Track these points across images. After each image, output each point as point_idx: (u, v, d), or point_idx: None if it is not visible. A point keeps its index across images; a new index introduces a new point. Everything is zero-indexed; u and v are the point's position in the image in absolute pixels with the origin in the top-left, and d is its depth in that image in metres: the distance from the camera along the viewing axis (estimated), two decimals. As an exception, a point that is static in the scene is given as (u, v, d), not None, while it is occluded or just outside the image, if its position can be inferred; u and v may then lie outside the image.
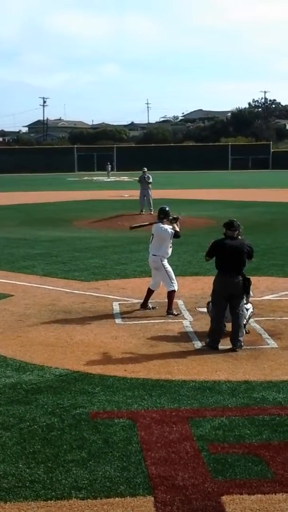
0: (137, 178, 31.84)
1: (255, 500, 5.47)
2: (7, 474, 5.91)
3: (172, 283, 11.51)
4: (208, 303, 10.38)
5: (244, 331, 9.80)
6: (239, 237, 9.83)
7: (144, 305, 11.82)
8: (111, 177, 66.23)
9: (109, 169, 68.69)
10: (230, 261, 9.56)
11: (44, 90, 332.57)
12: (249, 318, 10.34)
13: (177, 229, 11.68)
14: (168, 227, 11.64)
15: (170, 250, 11.74)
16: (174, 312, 11.41)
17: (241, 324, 9.61)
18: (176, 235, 11.61)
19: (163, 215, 11.81)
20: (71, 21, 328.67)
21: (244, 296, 9.78)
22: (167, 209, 11.91)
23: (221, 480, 5.79)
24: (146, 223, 13.23)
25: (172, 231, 11.58)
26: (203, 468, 6.00)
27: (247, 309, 10.11)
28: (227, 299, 9.62)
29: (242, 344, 9.54)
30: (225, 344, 9.67)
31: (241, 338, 9.55)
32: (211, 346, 9.55)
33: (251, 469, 5.97)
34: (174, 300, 11.64)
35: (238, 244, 9.70)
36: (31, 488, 5.68)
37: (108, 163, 70.25)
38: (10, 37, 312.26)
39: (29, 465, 6.08)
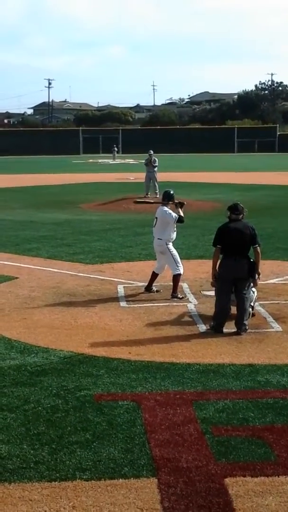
0: (143, 161, 31.65)
1: (258, 482, 5.49)
2: (11, 455, 5.95)
3: (177, 266, 11.50)
4: None
5: (249, 314, 9.78)
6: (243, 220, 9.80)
7: (148, 288, 11.82)
8: (116, 160, 66.03)
9: (115, 151, 68.40)
10: (234, 243, 9.52)
11: (49, 72, 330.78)
12: (255, 301, 10.32)
13: (181, 214, 11.64)
14: (172, 211, 11.61)
15: (174, 234, 11.71)
16: (179, 295, 11.41)
17: (246, 307, 9.60)
18: (179, 219, 11.57)
19: (167, 199, 11.78)
20: (75, 2, 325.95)
21: (251, 279, 9.73)
22: (171, 192, 11.88)
23: (225, 462, 5.82)
24: (151, 201, 13.33)
25: (176, 215, 11.54)
26: (206, 450, 6.02)
27: (253, 292, 10.10)
28: (233, 283, 9.60)
29: (247, 327, 9.54)
30: (229, 327, 9.67)
31: (246, 322, 9.55)
32: (216, 329, 9.56)
33: (254, 452, 5.99)
34: (179, 283, 11.63)
35: (241, 226, 9.65)
36: (35, 469, 5.71)
37: (114, 146, 69.93)
38: (14, 20, 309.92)
39: (34, 447, 6.11)
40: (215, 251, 9.78)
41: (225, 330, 9.61)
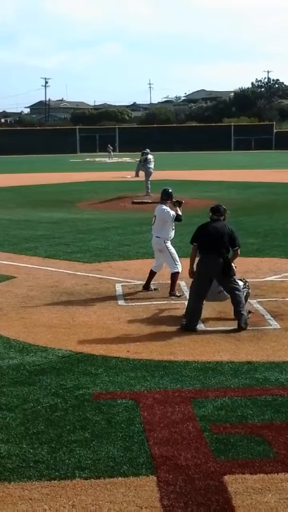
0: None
1: (257, 479, 5.50)
2: (11, 455, 5.95)
3: (176, 264, 11.50)
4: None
5: (244, 305, 9.72)
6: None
7: (146, 287, 11.83)
8: (113, 158, 65.99)
9: (111, 150, 68.29)
10: (210, 242, 9.58)
11: (46, 70, 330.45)
12: (246, 298, 10.22)
13: (179, 212, 11.64)
14: (170, 209, 11.60)
15: (172, 233, 11.71)
16: (177, 293, 11.42)
17: (239, 299, 9.55)
18: (177, 218, 11.56)
19: (166, 197, 11.77)
20: (70, 0, 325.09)
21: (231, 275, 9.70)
22: (170, 190, 11.86)
23: (224, 460, 5.83)
24: (149, 201, 13.35)
25: (174, 214, 11.53)
26: (205, 448, 6.03)
27: (246, 288, 10.13)
28: (209, 281, 9.64)
29: (248, 317, 9.53)
30: (227, 325, 9.69)
31: (243, 312, 9.52)
32: (188, 328, 9.50)
33: (253, 449, 6.01)
34: (177, 282, 11.64)
35: (219, 225, 9.77)
36: (35, 468, 5.72)
37: (109, 145, 69.74)
38: (8, 18, 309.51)
39: (33, 446, 6.12)
40: (192, 248, 9.91)
41: (222, 327, 9.63)
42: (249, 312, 10.08)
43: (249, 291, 10.49)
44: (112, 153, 67.66)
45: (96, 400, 7.13)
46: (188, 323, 9.58)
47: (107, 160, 65.42)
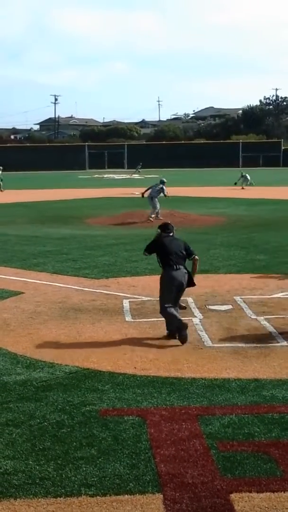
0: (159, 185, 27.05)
1: (264, 498, 5.47)
2: (17, 471, 5.94)
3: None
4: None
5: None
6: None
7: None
8: (122, 175, 66.14)
9: (139, 168, 66.40)
10: (173, 252, 9.96)
11: (55, 88, 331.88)
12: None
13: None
14: None
15: None
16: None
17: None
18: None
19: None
20: (79, 18, 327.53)
21: None
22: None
23: (230, 478, 5.79)
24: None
25: None
26: (212, 465, 6.00)
27: None
28: (177, 290, 9.98)
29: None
30: (234, 342, 9.67)
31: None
32: (184, 336, 9.66)
33: (260, 467, 5.97)
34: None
35: (173, 239, 10.35)
36: (41, 485, 5.70)
37: (140, 164, 67.57)
38: (17, 35, 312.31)
39: (39, 462, 6.10)
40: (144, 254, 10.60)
41: (230, 344, 9.61)
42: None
43: None
44: (139, 171, 65.97)
45: (103, 417, 7.12)
46: (183, 332, 9.68)
47: (115, 176, 65.36)
